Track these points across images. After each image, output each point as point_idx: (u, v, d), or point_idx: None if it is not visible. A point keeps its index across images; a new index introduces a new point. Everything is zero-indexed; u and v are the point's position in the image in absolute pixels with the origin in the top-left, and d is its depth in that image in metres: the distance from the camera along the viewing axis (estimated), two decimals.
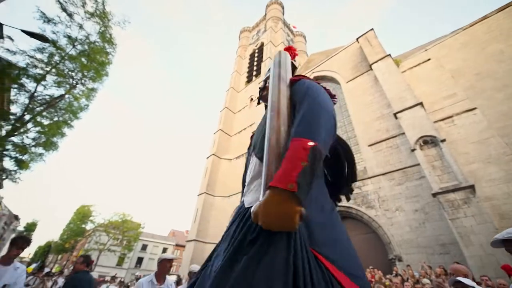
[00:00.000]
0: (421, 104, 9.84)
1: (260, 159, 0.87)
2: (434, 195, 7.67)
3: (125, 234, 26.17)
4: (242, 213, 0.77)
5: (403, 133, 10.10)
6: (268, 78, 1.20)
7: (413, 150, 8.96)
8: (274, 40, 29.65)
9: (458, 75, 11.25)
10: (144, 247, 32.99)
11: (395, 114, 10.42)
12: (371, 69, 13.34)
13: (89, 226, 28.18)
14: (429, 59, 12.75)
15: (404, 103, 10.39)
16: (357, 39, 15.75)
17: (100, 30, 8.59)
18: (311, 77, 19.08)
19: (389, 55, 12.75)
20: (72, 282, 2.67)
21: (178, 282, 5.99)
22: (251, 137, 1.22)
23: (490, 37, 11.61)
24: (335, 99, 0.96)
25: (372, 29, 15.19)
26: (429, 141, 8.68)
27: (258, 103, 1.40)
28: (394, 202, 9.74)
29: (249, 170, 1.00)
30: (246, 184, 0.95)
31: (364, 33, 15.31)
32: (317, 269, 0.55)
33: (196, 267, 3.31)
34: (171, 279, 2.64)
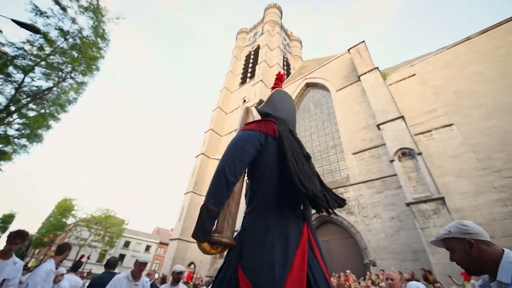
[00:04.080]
0: (402, 117, 10.35)
1: None
2: (408, 204, 8.13)
3: (107, 230, 25.72)
4: None
5: (385, 144, 10.58)
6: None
7: (392, 161, 9.42)
8: (270, 43, 30.01)
9: (440, 91, 11.89)
10: (126, 244, 32.46)
11: (378, 126, 10.90)
12: (360, 80, 13.85)
13: (70, 220, 27.47)
14: (414, 74, 13.38)
15: (387, 115, 10.89)
16: (348, 50, 16.28)
17: (94, 25, 8.58)
18: (304, 83, 19.59)
19: (377, 68, 13.28)
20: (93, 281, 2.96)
21: (163, 279, 6.10)
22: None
23: (471, 57, 12.32)
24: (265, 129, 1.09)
25: (363, 41, 15.73)
26: (407, 153, 9.17)
27: None
28: (372, 209, 10.18)
29: None
30: None
31: (356, 45, 15.84)
32: (233, 273, 0.88)
33: (180, 268, 3.29)
34: (146, 278, 2.81)
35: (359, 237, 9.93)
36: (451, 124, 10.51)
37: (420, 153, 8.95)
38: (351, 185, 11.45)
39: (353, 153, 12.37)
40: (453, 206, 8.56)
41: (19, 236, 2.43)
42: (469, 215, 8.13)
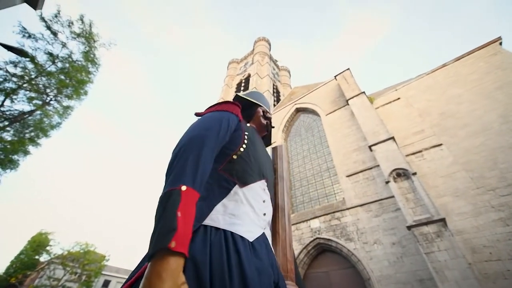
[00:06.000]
0: (393, 138, 10.44)
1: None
2: (409, 227, 7.74)
3: (85, 268, 23.24)
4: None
5: (378, 165, 10.48)
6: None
7: (387, 182, 9.23)
8: (261, 72, 31.34)
9: (425, 113, 12.30)
10: (106, 284, 29.24)
11: (370, 147, 10.91)
12: (348, 104, 14.25)
13: (44, 258, 24.82)
14: (399, 98, 13.94)
15: (378, 136, 10.99)
16: (335, 76, 17.05)
17: (85, 50, 8.57)
18: (294, 108, 20.03)
19: (364, 92, 13.79)
20: None
21: None
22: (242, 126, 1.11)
23: (450, 81, 13.06)
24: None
25: (348, 68, 16.60)
26: (401, 174, 9.04)
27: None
28: (372, 234, 9.66)
29: (267, 198, 0.98)
30: (260, 211, 0.92)
31: (341, 72, 16.65)
32: None
33: None
34: None
35: (360, 266, 9.23)
36: (440, 144, 10.66)
37: (414, 173, 8.83)
38: (348, 209, 11.01)
39: (347, 176, 12.15)
40: (454, 228, 8.24)
41: None
42: (473, 237, 7.79)
